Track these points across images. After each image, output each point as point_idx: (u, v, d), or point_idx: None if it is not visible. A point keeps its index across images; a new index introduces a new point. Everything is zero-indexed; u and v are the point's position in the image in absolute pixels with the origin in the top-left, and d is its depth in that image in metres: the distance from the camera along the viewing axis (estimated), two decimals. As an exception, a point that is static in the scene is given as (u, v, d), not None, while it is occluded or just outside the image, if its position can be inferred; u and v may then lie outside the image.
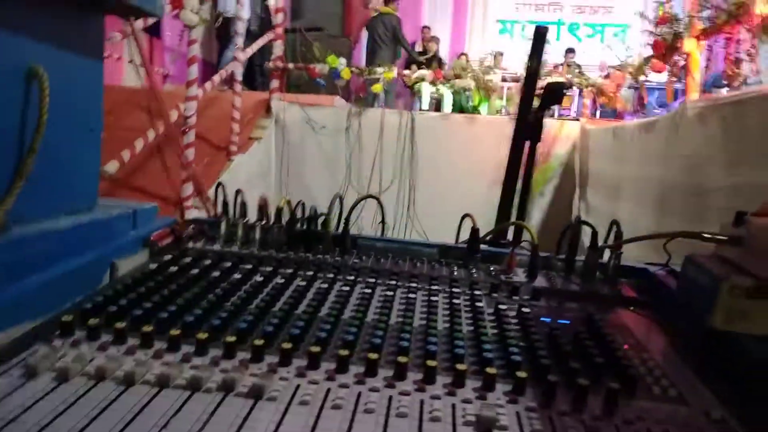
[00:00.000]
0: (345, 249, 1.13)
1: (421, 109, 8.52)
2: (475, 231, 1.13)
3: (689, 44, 3.46)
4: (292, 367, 0.68)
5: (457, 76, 5.64)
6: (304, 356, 0.70)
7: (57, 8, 0.97)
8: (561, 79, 5.43)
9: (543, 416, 0.63)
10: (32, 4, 0.91)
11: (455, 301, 0.92)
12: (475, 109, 8.30)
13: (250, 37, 5.79)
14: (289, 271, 0.99)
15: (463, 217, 1.20)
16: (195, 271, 0.94)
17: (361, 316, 0.82)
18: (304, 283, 0.93)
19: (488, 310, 0.91)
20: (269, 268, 0.98)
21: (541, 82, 5.27)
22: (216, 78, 4.58)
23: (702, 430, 0.64)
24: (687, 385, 0.73)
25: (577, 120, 5.57)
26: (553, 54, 10.54)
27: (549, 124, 5.58)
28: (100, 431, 0.54)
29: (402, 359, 0.69)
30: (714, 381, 0.75)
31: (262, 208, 1.11)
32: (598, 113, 7.60)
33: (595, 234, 1.08)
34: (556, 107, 8.06)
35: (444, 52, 10.54)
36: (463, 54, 9.95)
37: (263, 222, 1.12)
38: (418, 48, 10.18)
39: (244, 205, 1.14)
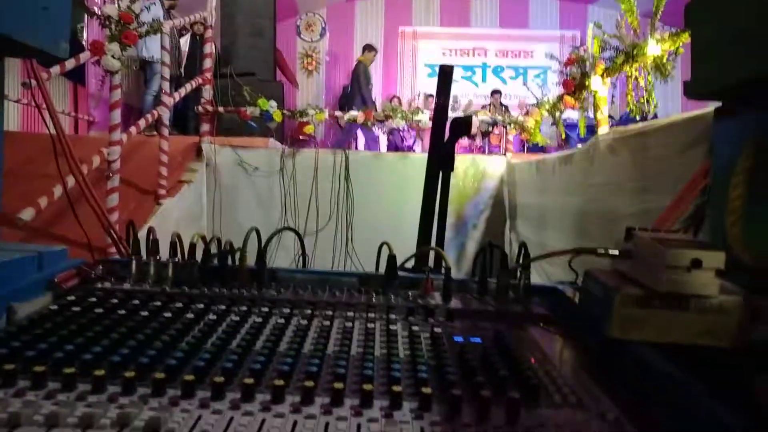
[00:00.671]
0: (262, 282, 1.12)
1: (356, 148, 8.68)
2: (391, 258, 1.15)
3: (595, 82, 3.74)
4: (195, 399, 0.66)
5: (388, 117, 5.78)
6: (208, 387, 0.68)
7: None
8: (486, 117, 5.69)
9: (447, 429, 0.64)
10: None
11: (370, 326, 0.92)
12: (410, 149, 8.57)
13: (171, 81, 5.76)
14: (201, 306, 0.96)
15: (380, 246, 1.22)
16: (99, 310, 0.91)
17: (272, 346, 0.81)
18: (215, 317, 0.91)
19: (402, 333, 0.92)
20: (179, 305, 0.96)
21: (476, 120, 5.56)
22: (141, 122, 4.49)
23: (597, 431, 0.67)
24: (586, 391, 0.77)
25: (504, 155, 5.81)
26: (480, 95, 11.08)
27: (479, 159, 5.79)
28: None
29: (309, 384, 0.69)
30: (611, 386, 0.78)
31: (175, 245, 1.09)
32: (525, 149, 7.97)
33: (504, 256, 1.13)
34: (486, 144, 8.44)
35: (377, 95, 10.83)
36: (395, 96, 10.26)
37: (175, 259, 1.10)
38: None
39: (156, 242, 1.11)
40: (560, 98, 4.42)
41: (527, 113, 5.45)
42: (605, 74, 3.71)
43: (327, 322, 0.93)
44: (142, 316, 0.90)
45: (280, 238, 1.49)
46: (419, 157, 6.02)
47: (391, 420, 0.65)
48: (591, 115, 4.38)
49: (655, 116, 4.41)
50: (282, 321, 0.92)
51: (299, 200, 5.60)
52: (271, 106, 5.59)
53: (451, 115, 2.71)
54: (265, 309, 0.99)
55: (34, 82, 1.92)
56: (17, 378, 0.68)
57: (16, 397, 0.64)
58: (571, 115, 6.27)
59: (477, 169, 5.63)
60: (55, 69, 3.53)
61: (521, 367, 0.79)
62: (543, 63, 10.73)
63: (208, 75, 5.51)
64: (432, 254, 1.42)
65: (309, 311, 1.00)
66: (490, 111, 7.44)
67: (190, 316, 0.92)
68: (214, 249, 1.15)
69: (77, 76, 7.99)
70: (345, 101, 10.05)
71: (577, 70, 3.95)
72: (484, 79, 11.83)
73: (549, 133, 7.18)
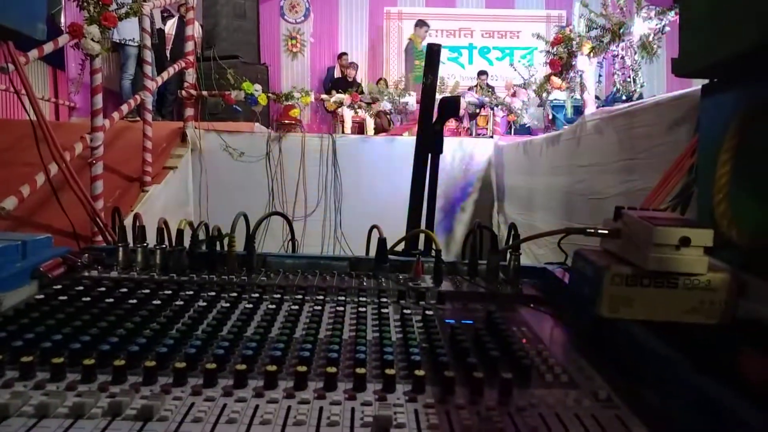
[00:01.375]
0: (251, 268, 1.11)
1: (343, 132, 8.62)
2: (382, 241, 1.15)
3: (582, 62, 3.73)
4: (187, 386, 0.66)
5: (375, 100, 5.74)
6: (200, 375, 0.68)
7: None
8: (473, 98, 5.67)
9: (440, 411, 0.65)
10: None
11: (361, 310, 0.92)
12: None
13: (140, 64, 5.67)
14: (190, 293, 0.96)
15: (370, 230, 1.22)
16: (86, 298, 0.90)
17: (263, 332, 0.80)
18: (205, 304, 0.90)
19: (394, 317, 0.92)
20: (168, 292, 0.95)
21: (463, 102, 5.51)
22: (123, 108, 4.41)
23: (589, 410, 0.67)
24: (578, 370, 0.78)
25: (491, 138, 5.81)
26: (466, 77, 11.02)
27: (466, 142, 5.78)
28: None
29: (301, 368, 0.69)
30: (602, 365, 0.79)
31: (162, 231, 1.08)
32: (512, 131, 7.99)
33: (494, 237, 1.13)
34: (473, 127, 8.42)
35: (364, 78, 10.74)
36: (381, 79, 10.17)
37: (163, 245, 1.09)
38: (337, 74, 10.34)
39: (143, 229, 1.10)
40: (547, 78, 4.41)
41: (514, 94, 5.43)
42: (591, 53, 3.71)
43: (318, 307, 0.93)
44: (131, 304, 0.89)
45: (268, 224, 1.48)
46: (407, 140, 6.00)
47: (385, 403, 0.65)
48: (578, 95, 4.39)
49: (641, 96, 4.43)
50: (273, 307, 0.92)
51: (287, 185, 5.57)
52: (256, 89, 5.53)
53: (439, 96, 2.70)
54: (256, 295, 0.98)
55: (11, 67, 1.87)
56: (4, 369, 0.67)
57: (5, 388, 0.64)
58: (558, 96, 6.28)
59: (464, 152, 5.62)
60: (33, 53, 3.45)
61: (513, 347, 0.79)
62: (530, 43, 10.69)
63: (191, 58, 5.42)
64: (422, 237, 1.42)
65: (300, 296, 0.99)
66: (476, 92, 7.41)
67: (179, 303, 0.91)
68: (201, 235, 1.14)
69: (57, 61, 7.84)
70: (331, 84, 9.92)
71: (564, 49, 3.94)
72: (470, 61, 11.76)
73: (536, 115, 7.20)
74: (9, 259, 1.01)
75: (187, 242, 1.11)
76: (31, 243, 1.10)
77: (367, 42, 11.61)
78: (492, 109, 5.68)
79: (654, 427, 0.63)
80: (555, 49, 4.05)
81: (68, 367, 0.67)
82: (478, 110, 5.92)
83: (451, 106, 1.63)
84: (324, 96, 6.49)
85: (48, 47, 3.59)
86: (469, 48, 11.80)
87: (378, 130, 8.05)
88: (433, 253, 1.15)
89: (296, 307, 0.92)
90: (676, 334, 0.76)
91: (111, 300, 0.90)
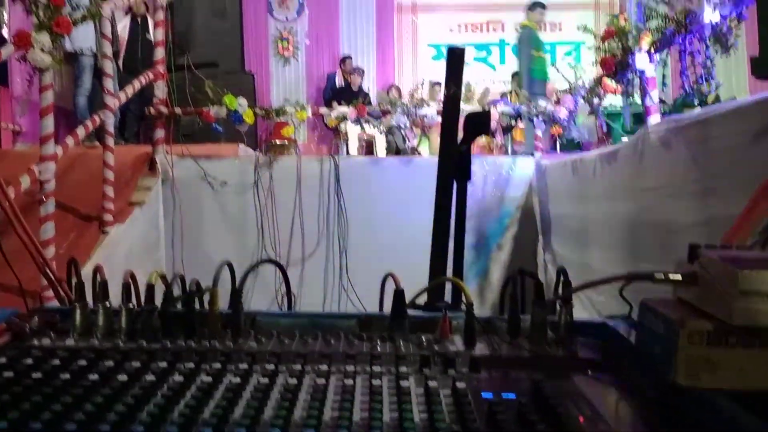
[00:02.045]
0: (238, 331, 1.12)
1: (348, 153, 8.70)
2: (398, 293, 1.15)
3: (641, 59, 3.76)
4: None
5: (385, 113, 5.81)
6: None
7: None
8: (507, 108, 5.72)
9: None
10: None
11: (375, 382, 0.92)
12: (414, 150, 8.58)
13: (99, 77, 5.80)
14: (163, 365, 0.97)
15: (384, 278, 1.23)
16: (37, 374, 0.91)
17: (254, 413, 0.81)
18: (181, 379, 0.91)
19: (416, 391, 0.92)
20: (137, 364, 0.96)
21: (495, 112, 5.56)
22: (79, 131, 4.50)
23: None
24: (650, 456, 0.77)
25: (532, 155, 5.83)
26: (498, 81, 11.13)
27: (500, 162, 5.80)
28: None
29: (302, 461, 0.69)
30: (681, 448, 0.78)
31: (128, 287, 1.09)
32: (557, 146, 8.01)
33: (539, 285, 1.13)
34: (509, 142, 8.47)
35: (371, 86, 10.88)
36: (393, 86, 10.31)
37: (130, 305, 1.10)
38: (339, 82, 10.51)
39: (104, 284, 1.11)
40: (599, 81, 4.44)
41: (558, 101, 5.47)
42: (652, 48, 3.73)
43: (321, 380, 0.93)
44: (91, 380, 0.89)
45: (258, 272, 1.50)
46: (427, 161, 6.04)
47: (408, 503, 0.65)
48: (638, 101, 4.41)
49: (718, 100, 4.43)
50: (265, 380, 0.92)
51: (279, 221, 5.60)
52: (240, 104, 5.62)
53: (464, 108, 2.73)
54: (244, 365, 0.99)
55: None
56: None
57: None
58: (614, 102, 6.31)
59: (499, 175, 5.64)
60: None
61: (567, 428, 0.79)
62: (575, 37, 10.82)
63: (161, 68, 5.54)
64: (449, 286, 1.42)
65: (298, 366, 1.00)
66: (511, 99, 7.47)
67: (150, 378, 0.92)
68: (177, 291, 1.15)
69: (-1, 76, 8.06)
70: (332, 94, 10.03)
71: (617, 45, 3.97)
72: (502, 60, 11.90)
73: (586, 126, 7.22)
74: (-58, 328, 1.03)
75: (159, 300, 1.12)
76: (-31, 306, 1.12)
77: (374, 42, 11.77)
78: (532, 120, 5.70)
79: None
80: (606, 44, 4.09)
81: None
82: (513, 122, 5.95)
83: (479, 122, 1.64)
84: (323, 110, 6.59)
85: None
86: (500, 45, 11.95)
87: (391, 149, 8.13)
88: (464, 306, 1.15)
89: (294, 380, 0.93)
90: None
91: (67, 376, 0.91)
